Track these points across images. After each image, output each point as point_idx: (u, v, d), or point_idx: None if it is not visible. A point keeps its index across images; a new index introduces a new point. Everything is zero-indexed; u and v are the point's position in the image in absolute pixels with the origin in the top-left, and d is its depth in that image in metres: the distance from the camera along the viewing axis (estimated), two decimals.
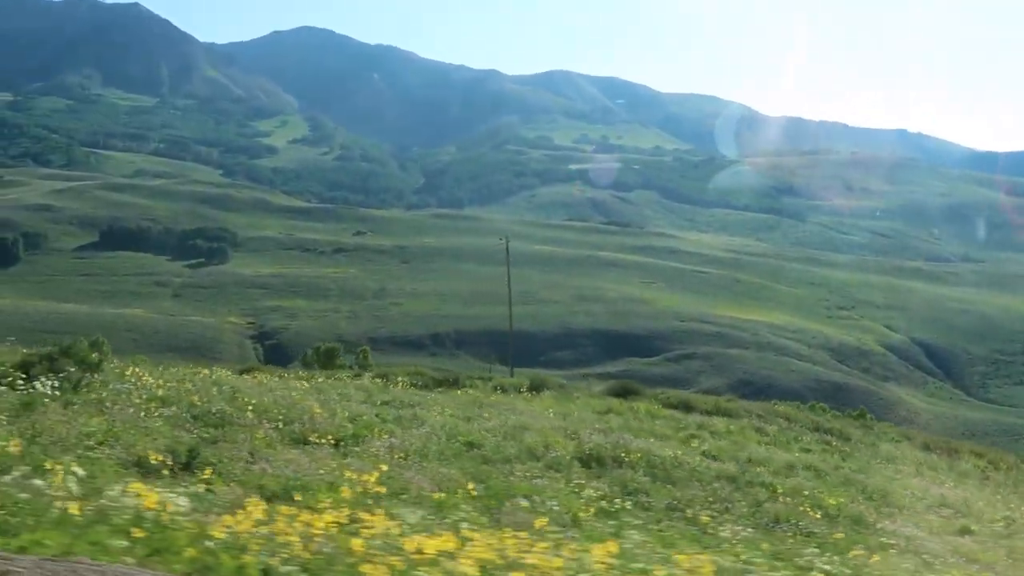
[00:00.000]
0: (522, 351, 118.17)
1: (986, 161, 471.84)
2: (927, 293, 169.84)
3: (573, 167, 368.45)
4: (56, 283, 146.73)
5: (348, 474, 8.69)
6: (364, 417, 16.42)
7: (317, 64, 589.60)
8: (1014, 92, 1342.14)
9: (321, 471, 9.67)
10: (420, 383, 29.09)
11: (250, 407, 14.71)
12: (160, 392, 15.26)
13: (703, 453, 17.67)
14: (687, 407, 28.86)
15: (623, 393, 31.40)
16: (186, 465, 7.65)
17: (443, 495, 8.57)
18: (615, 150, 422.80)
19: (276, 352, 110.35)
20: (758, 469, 16.28)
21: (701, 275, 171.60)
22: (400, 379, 29.01)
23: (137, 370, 18.82)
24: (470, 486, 9.57)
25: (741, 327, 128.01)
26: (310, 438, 12.88)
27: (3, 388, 12.34)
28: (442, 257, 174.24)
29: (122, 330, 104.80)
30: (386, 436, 14.19)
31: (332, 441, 12.91)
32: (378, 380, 28.20)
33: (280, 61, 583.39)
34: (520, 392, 29.14)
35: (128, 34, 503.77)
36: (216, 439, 10.87)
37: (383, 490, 7.91)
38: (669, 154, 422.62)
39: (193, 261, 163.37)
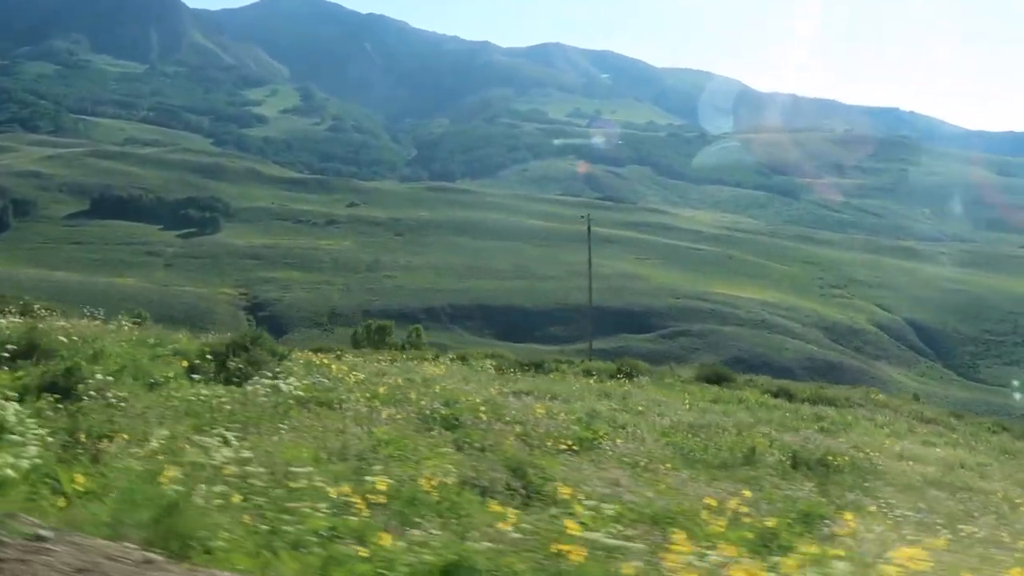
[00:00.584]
0: (517, 326, 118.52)
1: (978, 141, 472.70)
2: (919, 272, 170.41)
3: (565, 141, 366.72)
4: (47, 251, 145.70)
5: (708, 500, 6.87)
6: (562, 415, 14.56)
7: (308, 33, 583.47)
8: (1006, 73, 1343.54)
9: (650, 493, 7.89)
10: (507, 367, 27.16)
11: (481, 408, 12.88)
12: (381, 389, 13.46)
13: (855, 448, 16.31)
14: (788, 395, 27.70)
15: (715, 379, 30.02)
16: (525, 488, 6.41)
17: (778, 521, 6.72)
18: (608, 124, 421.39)
19: (270, 323, 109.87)
20: (929, 469, 14.91)
21: (695, 252, 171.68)
22: (488, 363, 27.15)
23: (323, 359, 17.05)
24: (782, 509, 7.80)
25: (735, 304, 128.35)
26: (547, 443, 11.07)
27: (219, 385, 10.60)
28: (436, 230, 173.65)
29: (116, 299, 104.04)
30: (616, 439, 12.42)
31: (572, 446, 11.01)
32: (459, 362, 26.46)
33: (270, 29, 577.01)
34: (617, 378, 27.33)
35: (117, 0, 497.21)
36: (464, 446, 9.21)
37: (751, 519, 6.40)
38: (663, 129, 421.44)
39: (185, 231, 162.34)
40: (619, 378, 27.47)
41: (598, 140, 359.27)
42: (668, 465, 10.94)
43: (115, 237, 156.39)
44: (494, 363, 27.28)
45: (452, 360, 27.72)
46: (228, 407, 8.80)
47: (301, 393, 10.73)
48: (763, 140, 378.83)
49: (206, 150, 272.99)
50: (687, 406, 20.95)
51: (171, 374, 10.94)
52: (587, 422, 14.22)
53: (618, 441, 12.37)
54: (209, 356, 12.35)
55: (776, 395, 27.45)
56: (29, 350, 9.71)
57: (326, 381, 13.27)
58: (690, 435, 14.78)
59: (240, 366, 11.77)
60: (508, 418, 12.63)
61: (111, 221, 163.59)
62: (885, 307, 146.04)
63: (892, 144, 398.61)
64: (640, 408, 18.37)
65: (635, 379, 27.69)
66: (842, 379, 79.31)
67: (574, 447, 10.98)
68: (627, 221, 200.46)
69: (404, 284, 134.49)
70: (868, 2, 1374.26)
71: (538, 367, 28.50)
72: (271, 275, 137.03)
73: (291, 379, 11.26)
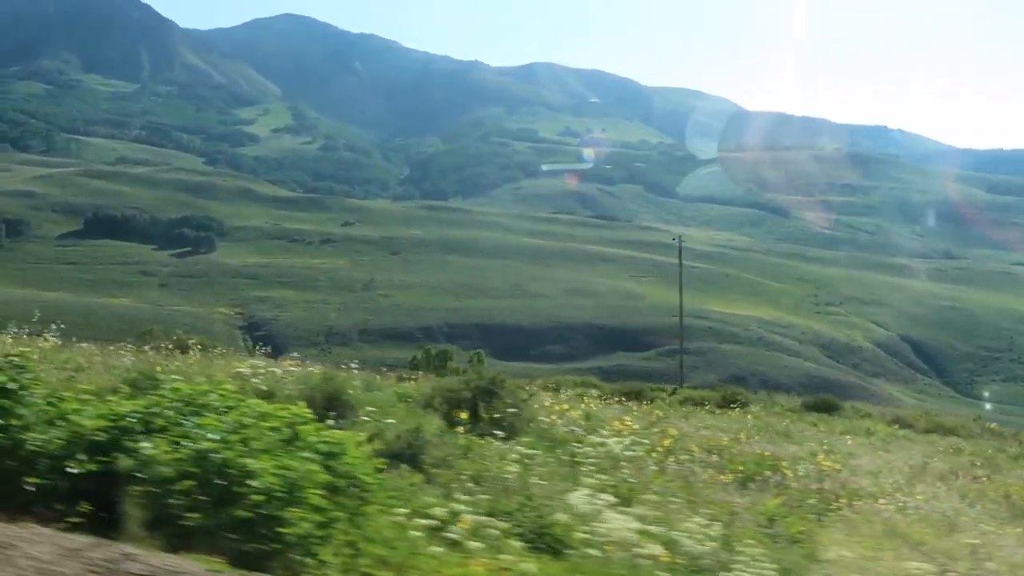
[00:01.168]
0: (512, 344, 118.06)
1: (965, 158, 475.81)
2: (912, 290, 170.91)
3: (554, 166, 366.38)
4: (39, 271, 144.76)
5: None
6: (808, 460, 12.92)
7: (299, 51, 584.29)
8: (992, 91, 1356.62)
9: None
10: (609, 397, 25.43)
11: (783, 464, 11.15)
12: (666, 442, 11.83)
13: None
14: (904, 423, 26.61)
15: (824, 408, 28.67)
16: None
17: None
18: (599, 143, 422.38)
19: (266, 343, 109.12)
20: None
21: (691, 270, 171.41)
22: (593, 392, 25.66)
23: (557, 403, 15.47)
24: None
25: (732, 322, 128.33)
26: (855, 502, 9.48)
27: (490, 439, 9.12)
28: (429, 249, 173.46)
29: (111, 320, 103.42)
30: (904, 494, 10.91)
31: (886, 506, 9.51)
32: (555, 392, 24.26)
33: (261, 48, 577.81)
34: (731, 408, 25.81)
35: (107, 18, 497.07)
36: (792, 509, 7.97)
37: None
38: (654, 148, 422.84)
39: (179, 250, 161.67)
40: (733, 408, 25.94)
41: (589, 156, 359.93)
42: None
43: (108, 257, 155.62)
44: (598, 393, 25.84)
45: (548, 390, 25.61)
46: (583, 470, 7.84)
47: (637, 452, 9.56)
48: (752, 159, 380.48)
49: (198, 169, 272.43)
50: (849, 441, 19.75)
51: (441, 427, 9.57)
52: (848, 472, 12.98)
53: (918, 497, 11.02)
54: (450, 400, 11.17)
55: (894, 424, 26.22)
56: (331, 404, 8.65)
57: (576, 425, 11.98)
58: (938, 482, 13.44)
59: (500, 415, 10.61)
60: (802, 472, 11.27)
61: (104, 241, 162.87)
62: (880, 324, 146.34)
63: (881, 162, 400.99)
64: (826, 447, 17.07)
65: (744, 407, 26.14)
66: (841, 397, 79.05)
67: (888, 506, 9.63)
68: (621, 239, 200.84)
69: (400, 303, 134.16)
70: (856, 21, 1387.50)
71: (638, 396, 27.24)
72: (266, 294, 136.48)
73: (626, 437, 10.18)
